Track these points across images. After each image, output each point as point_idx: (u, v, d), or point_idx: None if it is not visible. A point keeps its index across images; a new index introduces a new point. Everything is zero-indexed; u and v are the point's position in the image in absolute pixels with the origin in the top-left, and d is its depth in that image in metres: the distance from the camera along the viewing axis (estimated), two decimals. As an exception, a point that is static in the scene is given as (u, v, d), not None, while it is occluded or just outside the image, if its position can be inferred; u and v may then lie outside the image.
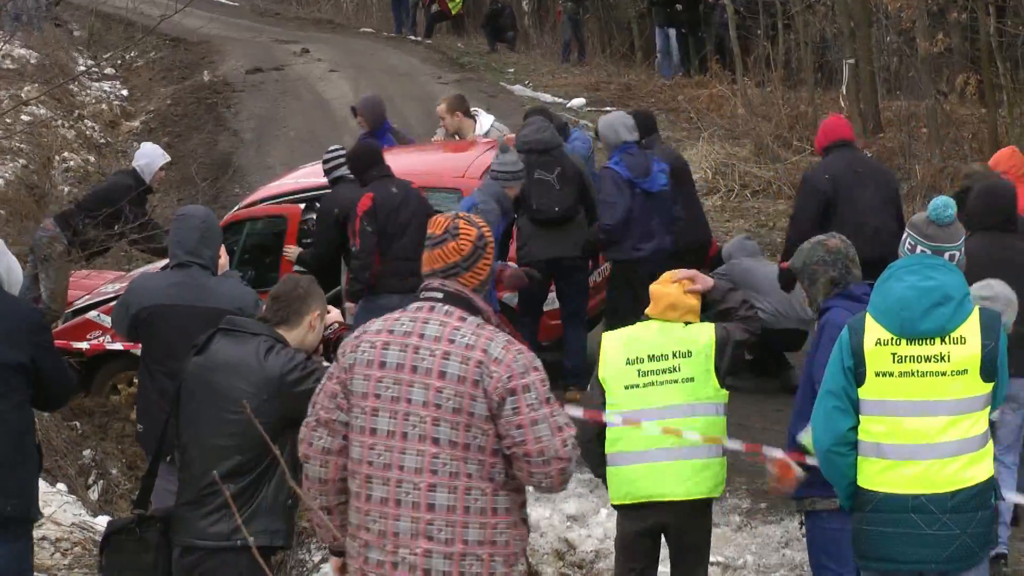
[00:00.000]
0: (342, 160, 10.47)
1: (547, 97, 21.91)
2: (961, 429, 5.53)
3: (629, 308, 10.03)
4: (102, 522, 8.26)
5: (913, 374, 5.53)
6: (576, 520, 9.13)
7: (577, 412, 6.90)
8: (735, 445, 7.11)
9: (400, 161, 11.70)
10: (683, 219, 10.81)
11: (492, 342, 4.84)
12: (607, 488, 7.16)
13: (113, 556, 5.97)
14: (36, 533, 7.03)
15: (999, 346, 5.57)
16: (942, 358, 5.51)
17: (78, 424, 10.74)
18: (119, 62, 26.13)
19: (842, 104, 19.25)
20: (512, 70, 25.11)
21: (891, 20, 18.72)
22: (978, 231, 7.79)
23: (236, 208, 11.79)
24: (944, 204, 5.74)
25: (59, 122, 20.10)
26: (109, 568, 6.01)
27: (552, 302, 10.95)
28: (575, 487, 9.12)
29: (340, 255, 10.31)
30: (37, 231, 11.93)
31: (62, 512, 8.44)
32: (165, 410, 6.16)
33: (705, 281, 7.19)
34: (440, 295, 4.96)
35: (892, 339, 5.55)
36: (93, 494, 9.86)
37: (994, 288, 6.72)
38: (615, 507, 7.19)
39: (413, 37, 29.21)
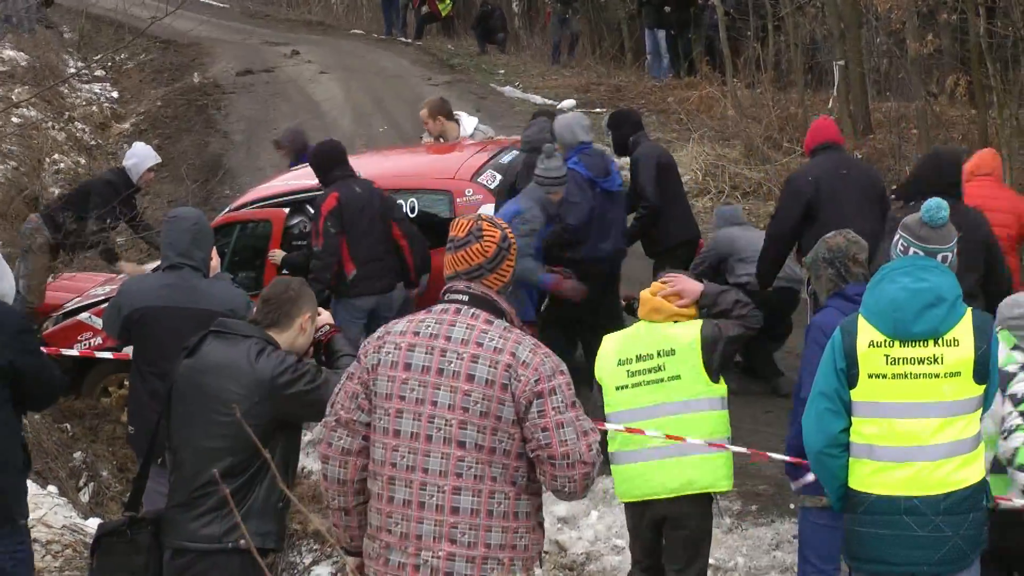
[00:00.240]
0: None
1: (537, 98, 21.89)
2: (954, 431, 5.54)
3: (585, 308, 10.14)
4: (93, 524, 8.24)
5: (906, 376, 5.53)
6: (566, 522, 9.14)
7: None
8: (739, 448, 7.12)
9: (389, 164, 11.72)
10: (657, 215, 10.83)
11: (520, 346, 4.85)
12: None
13: (104, 558, 5.95)
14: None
15: (992, 348, 5.58)
16: (935, 360, 5.52)
17: (69, 426, 10.73)
18: (109, 64, 26.08)
19: (830, 106, 19.27)
20: (502, 71, 25.09)
21: (881, 21, 18.74)
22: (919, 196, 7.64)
23: (225, 211, 11.76)
24: (937, 206, 5.73)
25: (49, 124, 20.06)
26: (100, 571, 5.98)
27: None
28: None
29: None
30: (24, 225, 12.03)
31: (53, 514, 8.42)
32: (156, 412, 6.15)
33: (692, 293, 7.19)
34: (465, 297, 4.96)
35: (885, 341, 5.56)
36: (84, 496, 9.84)
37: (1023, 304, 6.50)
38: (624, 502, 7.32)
39: (403, 39, 29.18)
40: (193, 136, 21.13)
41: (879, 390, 5.56)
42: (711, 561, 8.31)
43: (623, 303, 10.43)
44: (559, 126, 10.59)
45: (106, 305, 7.82)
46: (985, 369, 5.56)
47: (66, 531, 8.29)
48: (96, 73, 25.13)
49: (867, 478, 5.61)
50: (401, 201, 10.62)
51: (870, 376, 5.57)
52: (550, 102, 21.67)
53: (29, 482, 6.76)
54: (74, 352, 10.28)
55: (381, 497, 4.91)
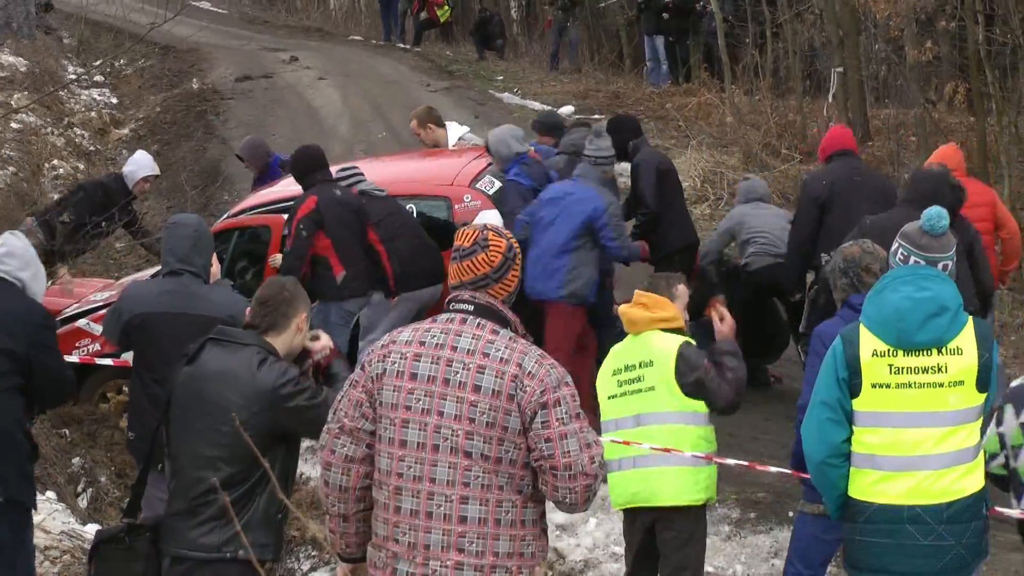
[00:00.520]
0: (360, 175, 10.51)
1: (536, 105, 21.88)
2: (956, 440, 5.54)
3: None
4: (91, 530, 8.25)
5: (910, 385, 5.52)
6: (565, 529, 9.13)
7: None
8: (724, 460, 7.14)
9: (388, 170, 11.72)
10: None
11: (526, 356, 4.84)
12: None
13: (102, 565, 5.94)
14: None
15: (993, 357, 5.58)
16: (939, 369, 5.51)
17: (67, 432, 10.71)
18: (108, 70, 26.10)
19: (826, 113, 19.28)
20: (501, 78, 25.08)
21: (879, 28, 18.74)
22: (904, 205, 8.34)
23: (224, 217, 11.76)
24: (938, 214, 5.72)
25: (48, 130, 20.06)
26: (98, 577, 5.99)
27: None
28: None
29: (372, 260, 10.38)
30: (19, 227, 12.01)
31: (51, 520, 8.41)
32: (156, 418, 6.15)
33: (725, 334, 7.30)
34: (471, 307, 4.95)
35: (889, 350, 5.55)
36: (82, 502, 9.83)
37: None
38: None
39: (402, 45, 29.16)
40: (192, 142, 21.13)
41: (882, 399, 5.55)
42: (710, 569, 8.32)
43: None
44: (493, 140, 10.70)
45: (105, 311, 7.85)
46: (987, 377, 5.56)
47: (64, 537, 8.28)
48: (95, 79, 25.14)
49: (869, 488, 5.60)
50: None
51: (873, 386, 5.56)
52: (548, 108, 21.69)
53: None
54: (73, 359, 10.27)
55: (387, 507, 4.90)
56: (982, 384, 5.55)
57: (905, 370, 5.53)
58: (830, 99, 19.45)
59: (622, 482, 7.21)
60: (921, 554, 5.53)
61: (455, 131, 12.61)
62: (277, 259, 10.73)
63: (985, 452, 5.76)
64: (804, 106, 19.41)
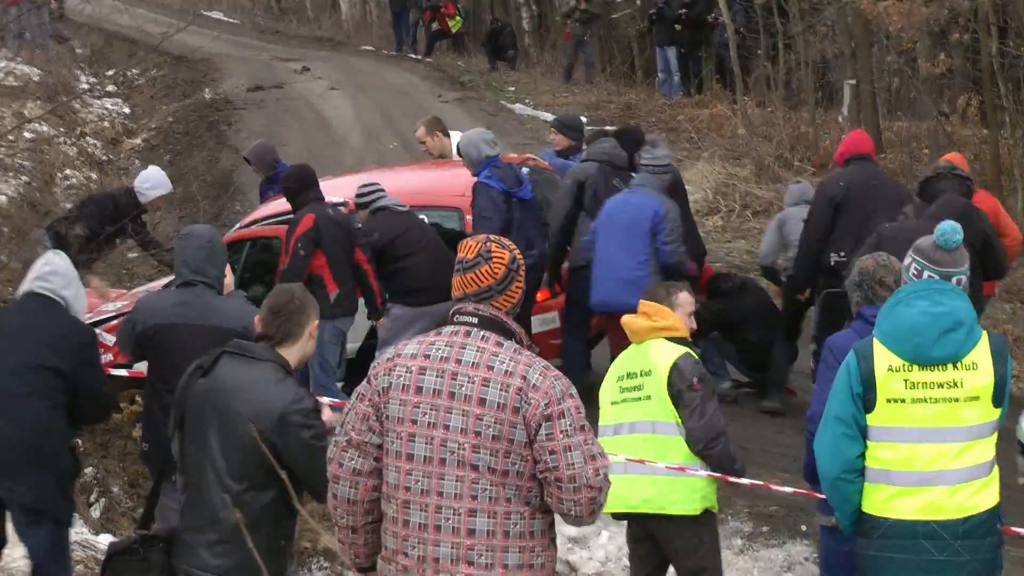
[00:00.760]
0: (381, 191, 10.52)
1: (548, 116, 21.88)
2: (972, 456, 5.52)
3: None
4: (104, 540, 8.26)
5: (926, 400, 5.50)
6: (577, 542, 9.11)
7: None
8: (701, 472, 7.07)
9: (398, 180, 11.73)
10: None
11: (531, 368, 4.83)
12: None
13: (116, 577, 5.95)
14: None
15: (1007, 372, 5.57)
16: (955, 384, 5.49)
17: (79, 441, 10.69)
18: (121, 80, 26.18)
19: (840, 122, 19.27)
20: (512, 89, 25.10)
21: (892, 41, 18.73)
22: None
23: (236, 227, 11.78)
24: (952, 229, 5.70)
25: (61, 139, 20.13)
26: (112, 589, 5.99)
27: (553, 320, 11.02)
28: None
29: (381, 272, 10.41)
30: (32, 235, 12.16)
31: (64, 530, 8.42)
32: (169, 429, 6.14)
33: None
34: (475, 320, 4.94)
35: (904, 365, 5.52)
36: (95, 512, 9.83)
37: None
38: None
39: (413, 55, 29.20)
40: (204, 152, 21.18)
41: (898, 415, 5.53)
42: (722, 583, 8.31)
43: None
44: (464, 144, 10.73)
45: (117, 321, 7.88)
46: (1002, 392, 5.54)
47: (77, 547, 8.28)
48: (108, 89, 25.23)
49: (883, 503, 5.58)
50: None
51: (889, 401, 5.54)
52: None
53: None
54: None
55: (396, 520, 4.90)
56: (997, 399, 5.53)
57: (921, 385, 5.51)
58: (844, 111, 19.43)
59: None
60: (937, 569, 5.50)
61: (458, 141, 12.66)
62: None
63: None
64: (816, 118, 19.41)
